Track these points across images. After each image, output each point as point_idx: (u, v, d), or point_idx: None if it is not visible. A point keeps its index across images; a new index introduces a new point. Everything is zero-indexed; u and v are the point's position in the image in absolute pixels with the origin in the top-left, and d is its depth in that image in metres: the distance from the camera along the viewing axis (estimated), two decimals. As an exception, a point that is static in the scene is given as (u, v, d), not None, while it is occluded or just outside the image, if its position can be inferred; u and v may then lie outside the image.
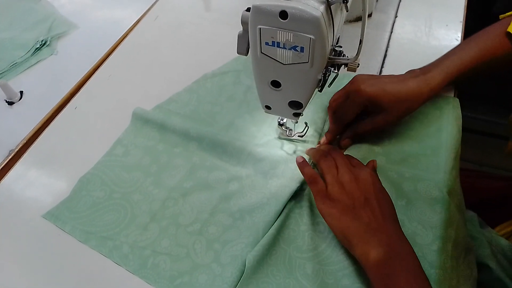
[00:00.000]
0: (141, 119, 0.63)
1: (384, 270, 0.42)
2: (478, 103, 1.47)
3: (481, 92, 1.49)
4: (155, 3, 0.86)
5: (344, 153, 0.55)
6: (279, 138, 0.60)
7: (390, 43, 0.72)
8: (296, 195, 0.53)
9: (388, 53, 0.70)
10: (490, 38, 0.57)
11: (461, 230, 0.50)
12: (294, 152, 0.58)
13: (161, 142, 0.61)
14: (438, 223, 0.49)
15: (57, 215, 0.54)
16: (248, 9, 0.41)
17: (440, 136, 0.56)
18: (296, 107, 0.50)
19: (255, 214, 0.52)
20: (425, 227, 0.49)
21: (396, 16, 0.76)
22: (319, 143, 0.58)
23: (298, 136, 0.58)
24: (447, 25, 0.73)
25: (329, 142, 0.57)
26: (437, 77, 0.54)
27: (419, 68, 0.57)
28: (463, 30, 0.73)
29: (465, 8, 0.77)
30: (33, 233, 0.54)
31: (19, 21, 0.84)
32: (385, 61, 0.69)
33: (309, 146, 0.58)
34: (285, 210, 0.51)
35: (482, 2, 1.68)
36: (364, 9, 0.40)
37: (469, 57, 0.56)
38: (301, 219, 0.51)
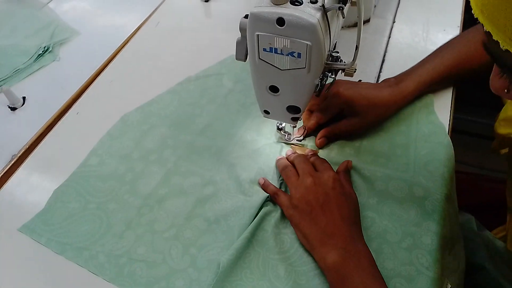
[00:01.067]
0: (117, 130, 0.64)
1: (340, 272, 0.44)
2: (477, 106, 1.48)
3: (480, 96, 1.50)
4: (156, 9, 0.87)
5: (318, 155, 0.57)
6: (278, 142, 0.60)
7: (388, 47, 0.73)
8: (271, 199, 0.54)
9: (386, 57, 0.71)
10: (467, 45, 0.59)
11: (446, 225, 0.50)
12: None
13: (136, 150, 0.61)
14: (407, 221, 0.50)
15: (33, 228, 0.54)
16: (246, 16, 0.42)
17: (409, 133, 0.58)
18: (294, 112, 0.51)
19: (230, 218, 0.52)
20: (394, 225, 0.50)
21: (394, 21, 0.77)
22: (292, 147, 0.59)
23: (297, 141, 0.59)
24: (444, 30, 0.74)
25: (298, 135, 0.59)
26: (410, 85, 0.58)
27: (394, 77, 0.60)
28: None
29: (463, 13, 0.77)
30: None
31: (21, 27, 0.86)
32: (383, 65, 0.70)
33: (308, 150, 0.59)
34: (260, 213, 0.51)
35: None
36: (359, 16, 0.41)
37: (443, 66, 0.58)
38: (274, 222, 0.51)
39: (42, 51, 0.79)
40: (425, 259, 0.47)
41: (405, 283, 0.45)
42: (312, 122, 0.58)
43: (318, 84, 0.46)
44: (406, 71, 0.60)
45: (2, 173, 0.61)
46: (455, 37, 0.62)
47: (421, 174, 0.54)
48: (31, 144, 0.64)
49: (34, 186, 0.60)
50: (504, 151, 0.66)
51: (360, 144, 0.58)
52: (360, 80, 0.67)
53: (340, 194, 0.49)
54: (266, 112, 0.53)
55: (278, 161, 0.56)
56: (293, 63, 0.43)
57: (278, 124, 0.57)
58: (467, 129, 1.50)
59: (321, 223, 0.47)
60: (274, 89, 0.48)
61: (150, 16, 0.85)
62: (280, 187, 0.54)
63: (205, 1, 0.87)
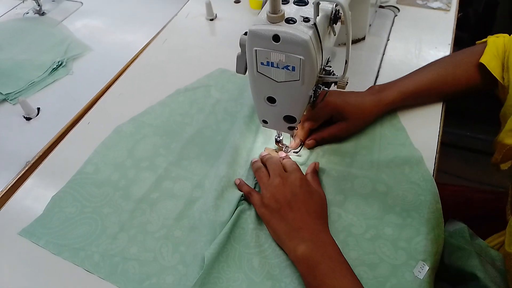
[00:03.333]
0: (112, 140, 0.68)
1: (309, 261, 0.48)
2: (478, 122, 1.51)
3: (483, 112, 1.54)
4: (163, 28, 0.92)
5: (290, 158, 0.61)
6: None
7: (382, 64, 0.77)
8: (245, 198, 0.58)
9: (380, 73, 0.75)
10: (456, 65, 0.64)
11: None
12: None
13: (129, 159, 0.65)
14: (371, 215, 0.55)
15: (32, 231, 0.58)
16: (245, 33, 0.46)
17: (373, 135, 0.64)
18: (290, 121, 0.54)
19: (210, 213, 0.55)
20: (359, 218, 0.55)
21: (388, 39, 0.82)
22: (265, 149, 0.64)
23: (294, 153, 0.62)
24: (436, 48, 0.78)
25: (295, 147, 0.63)
26: (390, 95, 0.63)
27: (379, 85, 0.65)
28: (451, 52, 0.77)
29: (454, 31, 0.82)
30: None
31: (37, 43, 0.91)
32: (377, 80, 0.74)
33: (300, 159, 0.62)
34: (236, 211, 0.56)
35: (480, 25, 1.74)
36: (347, 34, 0.45)
37: (426, 79, 0.63)
38: (250, 219, 0.55)
39: (56, 66, 0.84)
40: (386, 248, 0.51)
41: (369, 271, 0.50)
42: (305, 130, 0.62)
43: (311, 96, 0.49)
44: (392, 81, 0.65)
45: (16, 178, 0.65)
46: (445, 56, 0.66)
47: (383, 172, 0.59)
48: (44, 152, 0.68)
49: (46, 190, 0.63)
50: (505, 166, 0.67)
51: (329, 146, 0.63)
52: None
53: (306, 192, 0.54)
54: (265, 121, 0.57)
55: (253, 163, 0.61)
56: (288, 75, 0.46)
57: (276, 137, 0.61)
58: (467, 145, 1.53)
59: (288, 219, 0.51)
60: (271, 100, 0.52)
61: (158, 34, 0.91)
62: (254, 187, 0.59)
63: (210, 20, 0.92)
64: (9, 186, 0.64)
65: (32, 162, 0.67)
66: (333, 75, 0.50)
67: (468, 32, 1.80)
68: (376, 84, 0.72)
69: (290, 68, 0.46)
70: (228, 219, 0.54)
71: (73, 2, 1.05)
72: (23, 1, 1.04)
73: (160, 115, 0.71)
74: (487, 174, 1.48)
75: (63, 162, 0.66)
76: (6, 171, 0.66)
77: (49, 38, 0.92)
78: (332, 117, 0.62)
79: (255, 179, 0.60)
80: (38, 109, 0.76)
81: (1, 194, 0.63)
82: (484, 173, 1.47)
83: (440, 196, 0.71)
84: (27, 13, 1.03)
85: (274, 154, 0.62)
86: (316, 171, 0.59)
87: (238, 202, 0.56)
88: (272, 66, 0.46)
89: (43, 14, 1.02)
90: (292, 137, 0.62)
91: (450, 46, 0.78)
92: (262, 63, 0.47)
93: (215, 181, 0.59)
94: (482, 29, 1.77)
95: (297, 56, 0.44)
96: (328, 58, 0.52)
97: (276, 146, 0.63)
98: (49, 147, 0.69)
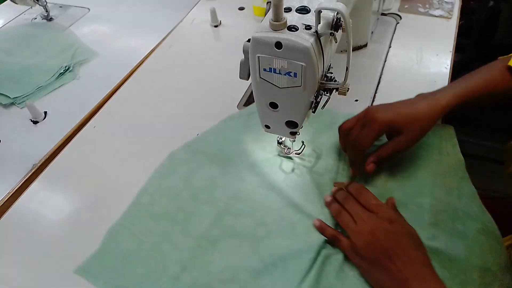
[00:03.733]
0: (166, 168, 0.65)
1: None
2: (482, 129, 1.51)
3: (487, 119, 1.54)
4: (169, 34, 0.93)
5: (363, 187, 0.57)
6: (279, 155, 0.65)
7: (384, 70, 0.78)
8: (328, 241, 0.54)
9: (381, 79, 0.76)
10: (492, 72, 0.60)
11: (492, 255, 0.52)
12: (293, 170, 0.63)
13: (186, 189, 0.61)
14: (461, 256, 0.51)
15: (89, 270, 0.54)
16: (249, 40, 0.47)
17: (441, 161, 0.60)
18: (292, 126, 0.55)
19: (288, 260, 0.52)
20: (450, 259, 0.51)
21: (390, 47, 0.83)
22: (335, 184, 0.60)
23: (295, 154, 0.63)
24: (437, 55, 0.79)
25: (355, 175, 0.60)
26: (446, 97, 0.58)
27: (427, 92, 0.60)
28: (452, 59, 0.78)
29: (455, 39, 0.83)
30: (50, 240, 0.59)
31: (45, 49, 0.93)
32: (379, 86, 0.75)
33: (306, 163, 0.63)
34: (320, 258, 0.51)
35: (483, 32, 1.75)
36: (348, 41, 0.46)
37: (474, 84, 0.59)
38: (339, 264, 0.51)
39: (63, 70, 0.85)
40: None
41: None
42: (358, 154, 0.58)
43: (313, 101, 0.50)
44: (442, 87, 0.61)
45: (23, 181, 0.66)
46: (480, 67, 0.63)
47: (464, 204, 0.55)
48: (51, 155, 0.70)
49: (52, 193, 0.64)
50: None
51: (402, 176, 0.59)
52: (357, 100, 0.72)
53: (402, 236, 0.49)
54: (267, 126, 0.58)
55: (329, 204, 0.57)
56: (290, 81, 0.47)
57: (278, 138, 0.62)
58: (469, 151, 1.53)
59: (392, 270, 0.47)
60: (273, 105, 0.53)
61: (163, 40, 0.92)
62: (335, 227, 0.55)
63: (215, 27, 0.94)
64: (15, 189, 0.65)
65: (38, 165, 0.68)
66: (334, 81, 0.51)
67: (471, 39, 1.81)
68: (377, 91, 0.73)
69: (292, 74, 0.47)
70: (308, 267, 0.50)
71: (80, 8, 1.07)
72: (31, 7, 1.06)
73: (214, 143, 0.68)
74: (491, 181, 1.48)
75: (69, 165, 0.68)
76: (13, 174, 0.67)
77: (56, 44, 0.94)
78: (382, 134, 0.58)
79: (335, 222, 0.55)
80: (45, 112, 0.77)
81: (8, 196, 0.64)
82: (488, 180, 1.47)
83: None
84: (35, 18, 1.05)
85: (343, 186, 0.58)
86: (395, 207, 0.55)
87: (320, 248, 0.52)
88: (275, 72, 0.47)
89: (50, 19, 1.04)
90: (294, 141, 0.62)
91: (451, 53, 0.79)
92: (264, 69, 0.48)
93: (283, 222, 0.56)
94: (485, 36, 1.78)
95: (298, 63, 0.45)
96: (330, 65, 0.53)
97: (278, 147, 0.64)
98: (55, 150, 0.70)
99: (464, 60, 1.86)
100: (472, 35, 1.80)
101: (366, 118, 0.57)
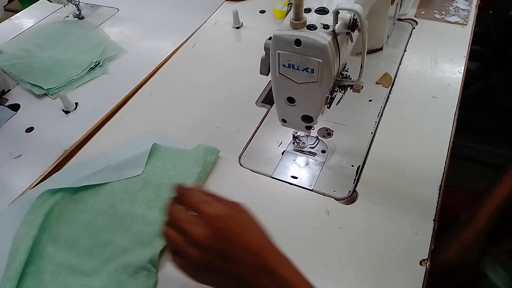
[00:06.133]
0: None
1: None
2: (495, 136, 1.52)
3: (500, 126, 1.55)
4: (192, 34, 0.98)
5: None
6: (295, 150, 0.68)
7: (398, 73, 0.80)
8: None
9: (395, 81, 0.79)
10: None
11: None
12: (307, 164, 0.66)
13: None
14: None
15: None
16: (270, 38, 0.51)
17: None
18: (308, 121, 0.59)
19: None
20: None
21: (405, 51, 0.85)
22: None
23: (310, 148, 0.67)
24: (451, 59, 0.82)
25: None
26: None
27: None
28: (466, 64, 0.80)
29: (469, 45, 0.85)
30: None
31: (76, 45, 0.98)
32: (393, 88, 0.77)
33: (319, 159, 0.66)
34: None
35: (501, 42, 1.76)
36: (363, 40, 0.49)
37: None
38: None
39: (94, 65, 0.91)
40: None
41: None
42: None
43: (328, 97, 0.54)
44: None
45: (54, 165, 0.71)
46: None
47: None
48: (81, 142, 0.75)
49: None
50: None
51: None
52: (370, 100, 0.75)
53: (227, 227, 0.40)
54: (284, 120, 0.61)
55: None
56: (307, 77, 0.51)
57: (293, 133, 0.65)
58: (484, 160, 1.53)
59: (230, 271, 0.40)
60: (291, 100, 0.56)
61: (187, 39, 0.97)
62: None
63: (236, 28, 0.98)
64: (47, 172, 0.70)
65: (69, 150, 0.73)
66: (349, 79, 0.54)
67: (489, 48, 1.81)
68: (390, 93, 0.76)
69: (309, 70, 0.50)
70: None
71: (110, 8, 1.13)
72: (64, 6, 1.13)
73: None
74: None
75: (98, 151, 0.72)
76: (46, 158, 0.72)
77: (87, 40, 0.99)
78: None
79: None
80: (76, 103, 0.83)
81: (41, 178, 0.69)
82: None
83: (452, 199, 0.73)
84: (67, 16, 1.11)
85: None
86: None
87: None
88: (293, 68, 0.51)
89: (82, 18, 1.10)
90: (309, 135, 0.66)
91: (465, 58, 0.82)
92: (284, 65, 0.51)
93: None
94: (503, 46, 1.78)
95: (316, 59, 0.48)
96: (345, 64, 0.57)
97: (293, 141, 0.67)
98: (85, 138, 0.75)
99: (482, 68, 1.86)
100: (490, 44, 1.80)
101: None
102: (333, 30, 0.48)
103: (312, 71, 0.50)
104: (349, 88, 0.56)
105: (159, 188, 0.63)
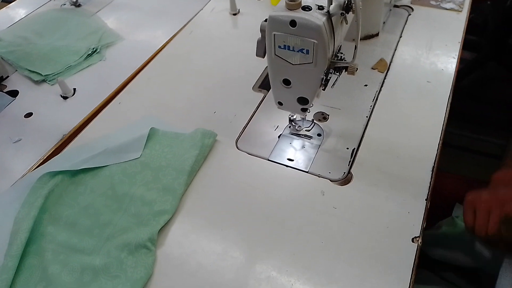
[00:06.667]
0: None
1: None
2: (490, 126, 1.53)
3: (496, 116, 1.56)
4: (189, 21, 0.98)
5: None
6: (291, 133, 0.69)
7: (393, 58, 0.81)
8: None
9: (391, 67, 0.79)
10: None
11: None
12: (303, 147, 0.67)
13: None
14: None
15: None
16: (266, 20, 0.52)
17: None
18: (304, 103, 0.59)
19: None
20: None
21: (400, 36, 0.86)
22: None
23: (306, 131, 0.68)
24: (446, 45, 0.82)
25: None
26: None
27: None
28: (460, 49, 0.81)
29: (464, 31, 0.85)
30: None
31: (74, 32, 0.99)
32: (388, 73, 0.78)
33: (314, 142, 0.67)
34: None
35: (499, 32, 1.76)
36: (357, 21, 0.50)
37: None
38: None
39: (91, 52, 0.91)
40: None
41: None
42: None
43: (323, 78, 0.55)
44: None
45: (53, 149, 0.72)
46: None
47: None
48: (79, 127, 0.75)
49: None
50: None
51: None
52: (366, 85, 0.76)
53: None
54: (280, 103, 0.62)
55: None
56: (303, 58, 0.52)
57: (290, 116, 0.66)
58: (479, 149, 1.55)
59: None
60: (287, 82, 0.57)
61: (184, 26, 0.97)
62: None
63: (233, 15, 0.99)
64: (46, 156, 0.71)
65: (68, 135, 0.74)
66: (344, 61, 0.55)
67: (486, 38, 1.82)
68: (386, 77, 0.77)
69: (304, 51, 0.51)
70: None
71: (107, -5, 1.13)
72: (61, -7, 1.12)
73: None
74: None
75: (96, 136, 0.73)
76: (45, 142, 0.73)
77: (84, 27, 1.00)
78: None
79: None
80: (74, 89, 0.83)
81: (40, 162, 0.70)
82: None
83: (445, 184, 0.74)
84: (64, 4, 1.11)
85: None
86: None
87: None
88: (289, 49, 0.52)
89: (79, 5, 1.10)
90: (305, 119, 0.67)
91: (460, 44, 0.82)
92: (279, 46, 0.52)
93: None
94: (501, 36, 1.79)
95: (311, 40, 0.49)
96: (340, 46, 0.57)
97: (290, 124, 0.68)
98: (83, 123, 0.76)
99: (479, 59, 1.87)
100: (488, 35, 1.81)
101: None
102: (328, 11, 0.49)
103: (307, 52, 0.51)
104: (344, 70, 0.57)
105: (157, 171, 0.64)
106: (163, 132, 0.70)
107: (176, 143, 0.68)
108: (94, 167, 0.65)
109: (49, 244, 0.56)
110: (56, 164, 0.66)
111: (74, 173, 0.64)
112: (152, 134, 0.69)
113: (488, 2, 1.79)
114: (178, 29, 0.97)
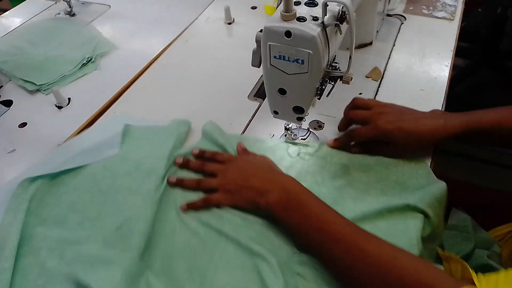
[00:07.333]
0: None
1: (284, 200, 0.53)
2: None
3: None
4: (184, 30, 0.99)
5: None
6: (286, 141, 0.69)
7: (387, 67, 0.82)
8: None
9: (385, 75, 0.80)
10: (509, 110, 0.59)
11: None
12: (298, 154, 0.68)
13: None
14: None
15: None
16: (261, 30, 0.52)
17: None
18: (299, 112, 0.60)
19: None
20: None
21: (394, 45, 0.87)
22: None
23: (301, 139, 0.68)
24: (438, 53, 0.83)
25: (333, 147, 0.66)
26: (456, 121, 0.58)
27: (442, 112, 0.62)
28: (453, 58, 0.82)
29: (456, 39, 0.87)
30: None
31: (68, 41, 0.99)
32: (382, 81, 0.79)
33: (310, 149, 0.68)
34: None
35: (490, 39, 1.79)
36: (351, 31, 0.50)
37: (490, 117, 0.58)
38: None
39: (86, 61, 0.91)
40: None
41: None
42: (337, 143, 0.66)
43: (318, 87, 0.55)
44: (453, 113, 0.61)
45: (48, 159, 0.72)
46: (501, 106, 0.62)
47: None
48: (74, 137, 0.75)
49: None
50: None
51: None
52: (361, 93, 0.77)
53: (255, 161, 0.62)
54: (276, 112, 0.62)
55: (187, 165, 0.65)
56: (298, 68, 0.52)
57: (285, 125, 0.67)
58: (477, 155, 1.56)
59: (254, 186, 0.57)
60: (282, 91, 0.57)
61: (179, 35, 0.98)
62: None
63: (228, 24, 0.99)
64: (41, 166, 0.71)
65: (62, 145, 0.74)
66: (339, 71, 0.56)
67: (478, 45, 1.85)
68: (380, 86, 0.78)
69: (299, 61, 0.51)
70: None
71: (101, 5, 1.14)
72: (55, 3, 1.13)
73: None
74: (498, 184, 1.51)
75: (91, 146, 0.73)
76: (39, 152, 0.72)
77: (79, 37, 1.00)
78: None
79: None
80: (69, 99, 0.83)
81: (35, 173, 0.69)
82: (495, 184, 1.49)
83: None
84: (59, 13, 1.11)
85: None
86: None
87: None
88: (284, 59, 0.52)
89: (73, 15, 1.10)
90: (300, 127, 0.67)
91: (452, 52, 0.83)
92: (275, 57, 0.52)
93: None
94: (492, 43, 1.82)
95: (306, 50, 0.50)
96: (335, 56, 0.58)
97: (286, 133, 0.68)
98: (78, 133, 0.76)
99: (471, 65, 1.89)
100: (479, 41, 1.84)
101: (370, 120, 0.62)
102: (322, 22, 0.49)
103: (302, 62, 0.51)
104: (339, 79, 0.57)
105: (138, 162, 0.65)
106: (136, 127, 0.72)
107: (151, 134, 0.70)
108: (73, 168, 0.65)
109: (41, 243, 0.56)
110: (35, 169, 0.66)
111: (53, 176, 0.64)
112: (126, 130, 0.70)
113: (480, 10, 1.81)
114: (173, 38, 0.97)
